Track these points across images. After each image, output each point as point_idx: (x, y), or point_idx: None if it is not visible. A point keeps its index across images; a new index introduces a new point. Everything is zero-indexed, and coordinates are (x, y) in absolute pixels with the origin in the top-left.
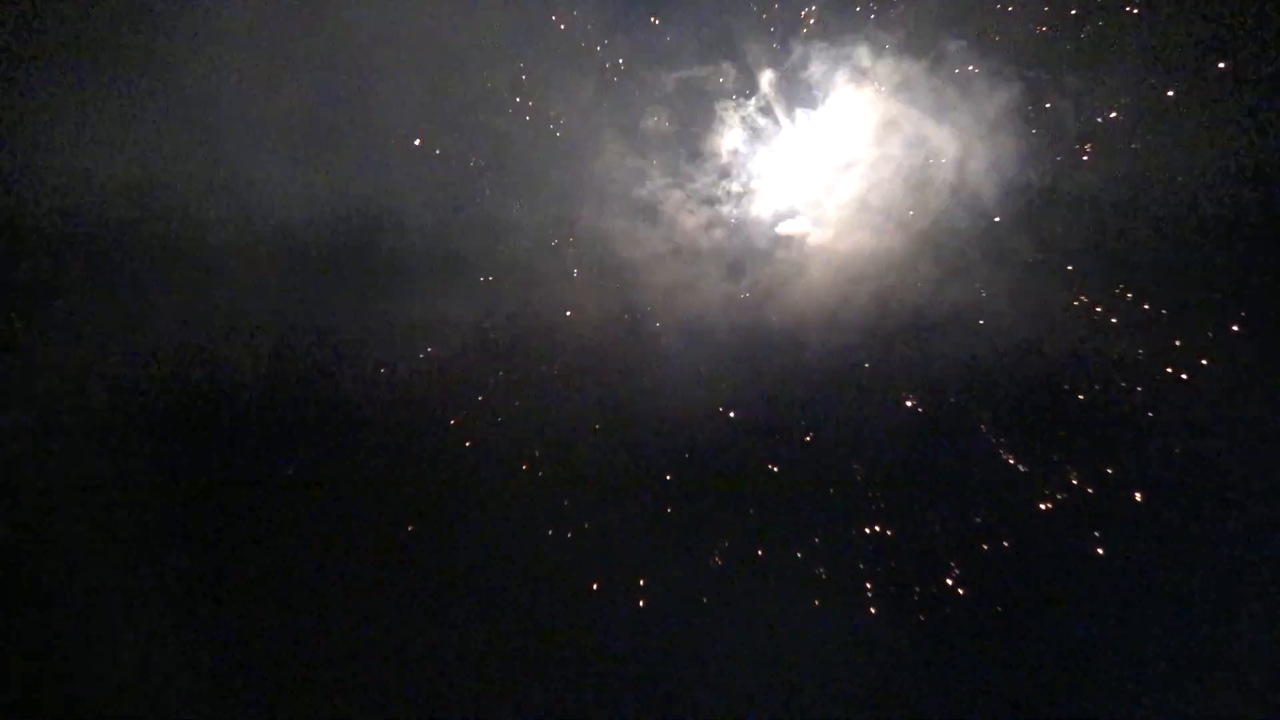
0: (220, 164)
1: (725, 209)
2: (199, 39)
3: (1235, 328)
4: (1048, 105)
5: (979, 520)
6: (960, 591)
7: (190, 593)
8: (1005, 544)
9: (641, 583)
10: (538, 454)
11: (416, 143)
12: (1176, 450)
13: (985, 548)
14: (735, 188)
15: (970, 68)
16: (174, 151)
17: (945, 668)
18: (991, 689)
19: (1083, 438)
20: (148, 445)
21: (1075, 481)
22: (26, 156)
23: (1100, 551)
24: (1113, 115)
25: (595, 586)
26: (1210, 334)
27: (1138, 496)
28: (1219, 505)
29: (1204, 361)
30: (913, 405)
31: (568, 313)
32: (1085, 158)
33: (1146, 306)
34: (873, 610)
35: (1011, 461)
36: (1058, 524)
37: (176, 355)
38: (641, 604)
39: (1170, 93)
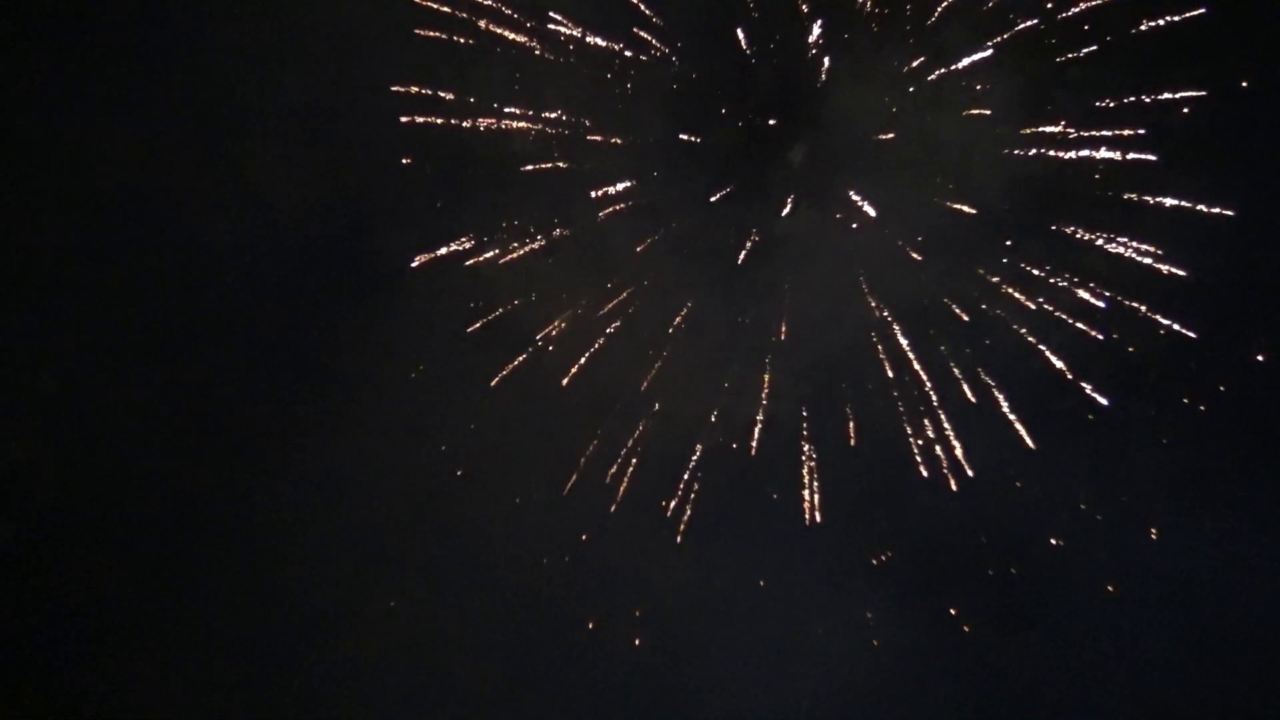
0: (218, 167)
1: (725, 209)
2: (198, 41)
3: (1260, 357)
4: (1055, 110)
5: (984, 542)
6: (966, 628)
7: (175, 594)
8: (1012, 570)
9: (637, 614)
10: (531, 482)
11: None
12: (1189, 475)
13: (990, 573)
14: (734, 188)
15: (975, 67)
16: (173, 152)
17: (949, 695)
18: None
19: (1093, 460)
20: (141, 444)
21: (1084, 506)
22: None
23: (1111, 589)
24: (1125, 131)
25: (591, 625)
26: (1227, 359)
27: (1153, 534)
28: (1234, 534)
29: (1221, 388)
30: (916, 427)
31: (553, 333)
32: (1096, 173)
33: (1161, 332)
34: (876, 642)
35: (1019, 485)
36: (1066, 552)
37: (172, 358)
38: (637, 642)
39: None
